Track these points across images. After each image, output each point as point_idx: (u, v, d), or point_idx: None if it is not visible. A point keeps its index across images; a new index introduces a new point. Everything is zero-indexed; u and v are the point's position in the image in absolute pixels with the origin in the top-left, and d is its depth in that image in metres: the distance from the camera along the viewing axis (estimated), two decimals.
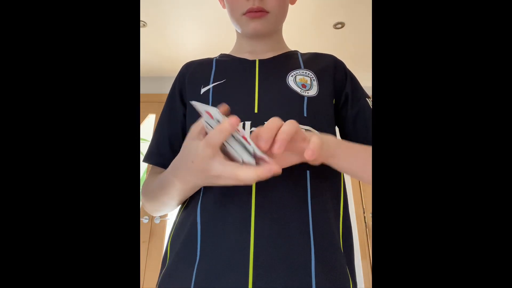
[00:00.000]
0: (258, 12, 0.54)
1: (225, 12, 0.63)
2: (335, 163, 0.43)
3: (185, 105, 0.57)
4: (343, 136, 0.57)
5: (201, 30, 2.01)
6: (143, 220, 2.21)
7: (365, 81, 2.65)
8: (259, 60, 0.57)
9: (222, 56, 0.62)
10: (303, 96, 0.51)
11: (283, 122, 0.35)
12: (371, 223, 2.24)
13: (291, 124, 0.34)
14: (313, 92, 0.52)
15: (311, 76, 0.54)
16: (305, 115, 0.49)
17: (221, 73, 0.56)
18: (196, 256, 0.41)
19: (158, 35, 2.05)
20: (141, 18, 1.89)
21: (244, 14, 0.55)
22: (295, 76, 0.53)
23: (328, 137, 0.42)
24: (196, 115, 0.51)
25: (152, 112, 2.47)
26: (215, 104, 0.51)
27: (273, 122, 0.34)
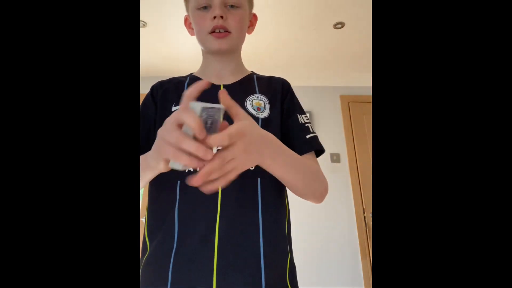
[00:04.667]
0: (222, 33, 0.65)
1: None
2: (267, 168, 0.50)
3: (156, 115, 0.67)
4: None
5: None
6: (143, 220, 2.21)
7: (365, 81, 2.66)
8: (224, 86, 0.68)
9: (192, 79, 0.72)
10: (258, 118, 0.63)
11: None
12: (371, 223, 2.25)
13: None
14: (265, 114, 0.64)
15: (264, 100, 0.66)
16: None
17: None
18: (173, 245, 0.53)
19: (158, 35, 2.05)
20: (141, 18, 1.89)
21: (210, 33, 0.65)
22: (252, 101, 0.65)
23: (266, 145, 0.46)
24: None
25: None
26: None
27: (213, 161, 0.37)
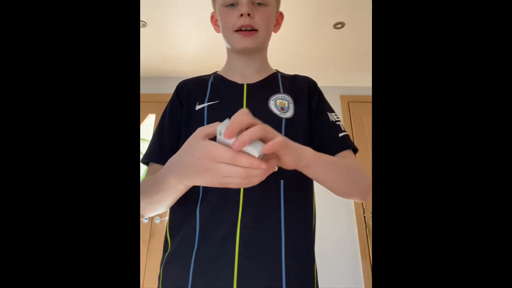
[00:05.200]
0: (248, 32, 0.63)
1: None
2: (310, 173, 0.49)
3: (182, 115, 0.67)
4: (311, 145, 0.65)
5: (201, 30, 2.01)
6: (143, 220, 2.21)
7: (365, 81, 2.66)
8: (247, 85, 0.67)
9: (216, 77, 0.71)
10: (281, 118, 0.61)
11: (252, 118, 0.38)
12: (371, 223, 2.24)
13: (257, 128, 0.37)
14: (289, 114, 0.62)
15: (288, 100, 0.64)
16: (283, 134, 0.58)
17: (215, 94, 0.66)
18: (195, 244, 0.53)
19: (158, 35, 2.05)
20: (141, 18, 1.89)
21: (236, 31, 0.64)
22: (276, 100, 0.64)
23: (305, 149, 0.46)
24: (193, 125, 0.61)
25: (152, 112, 2.47)
26: (210, 120, 0.63)
27: (241, 116, 0.37)
